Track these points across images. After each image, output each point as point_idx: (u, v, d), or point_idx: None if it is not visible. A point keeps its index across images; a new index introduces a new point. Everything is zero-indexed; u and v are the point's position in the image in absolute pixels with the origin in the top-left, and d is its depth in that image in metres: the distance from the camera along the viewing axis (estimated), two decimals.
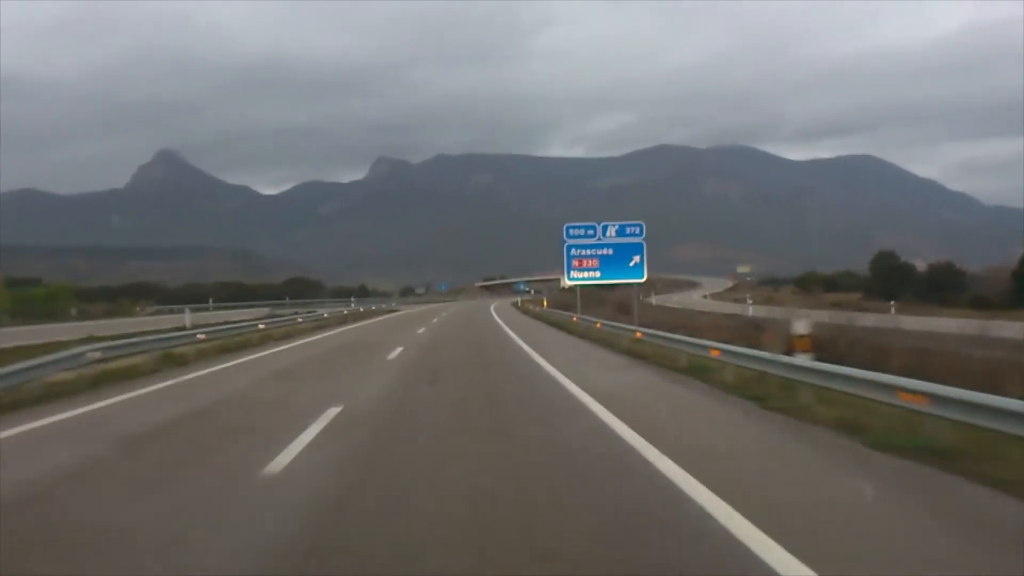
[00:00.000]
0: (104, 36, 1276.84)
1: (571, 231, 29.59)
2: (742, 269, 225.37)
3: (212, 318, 38.94)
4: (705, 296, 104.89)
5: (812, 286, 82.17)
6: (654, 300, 78.02)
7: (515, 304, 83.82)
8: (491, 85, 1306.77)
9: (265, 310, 54.53)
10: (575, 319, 32.94)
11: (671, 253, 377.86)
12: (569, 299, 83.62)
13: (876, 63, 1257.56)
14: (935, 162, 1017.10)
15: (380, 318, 53.04)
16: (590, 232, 29.13)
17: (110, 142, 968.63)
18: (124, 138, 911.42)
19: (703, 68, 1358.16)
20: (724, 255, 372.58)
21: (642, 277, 28.94)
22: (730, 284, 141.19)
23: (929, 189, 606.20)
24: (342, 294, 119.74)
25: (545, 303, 46.05)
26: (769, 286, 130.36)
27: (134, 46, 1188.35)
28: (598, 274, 29.00)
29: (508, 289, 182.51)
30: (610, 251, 28.65)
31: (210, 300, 66.40)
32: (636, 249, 28.47)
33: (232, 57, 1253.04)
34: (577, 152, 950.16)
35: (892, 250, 70.97)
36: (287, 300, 75.75)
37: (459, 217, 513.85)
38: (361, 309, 56.86)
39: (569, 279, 29.70)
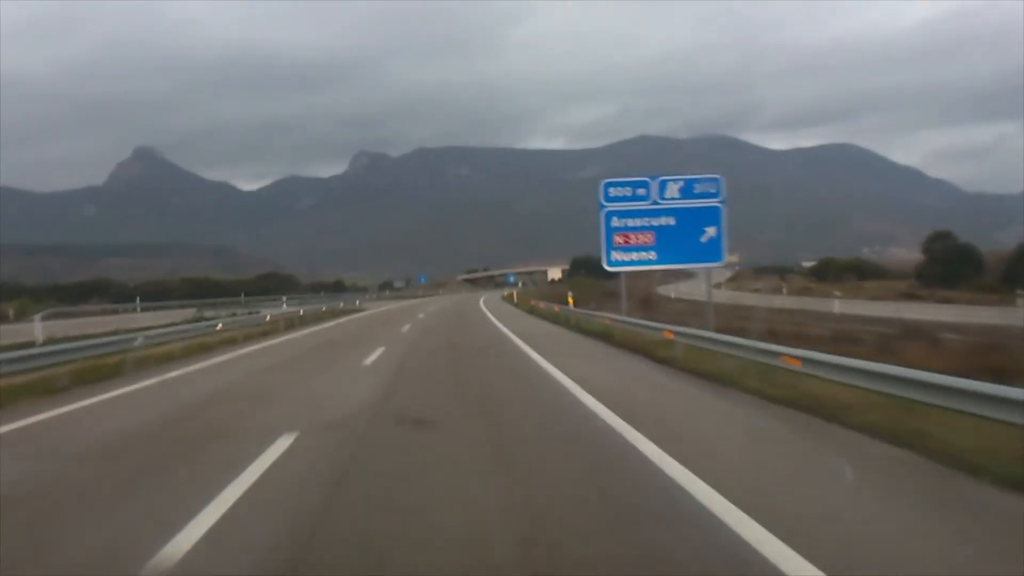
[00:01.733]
0: (77, 32, 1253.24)
1: (610, 190, 20.37)
2: (729, 259, 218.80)
3: (98, 325, 29.12)
4: (714, 286, 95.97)
5: (843, 274, 72.79)
6: (659, 290, 69.22)
7: (509, 298, 73.22)
8: (470, 77, 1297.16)
9: (191, 311, 44.31)
10: (670, 336, 17.24)
11: None
12: (554, 292, 74.82)
13: (854, 50, 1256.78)
14: (915, 149, 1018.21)
15: (327, 324, 35.53)
16: (640, 192, 19.94)
17: (87, 139, 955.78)
18: (101, 135, 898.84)
19: (682, 58, 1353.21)
20: None
21: (720, 258, 19.80)
22: (729, 274, 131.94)
23: (910, 176, 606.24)
24: (319, 289, 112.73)
25: (571, 300, 35.11)
26: (769, 275, 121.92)
27: (108, 42, 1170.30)
28: (654, 255, 19.80)
29: (491, 282, 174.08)
30: (671, 220, 19.56)
31: (137, 299, 56.59)
32: (711, 217, 19.36)
33: (209, 52, 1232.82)
34: (557, 144, 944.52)
35: (948, 231, 61.93)
36: (242, 298, 65.81)
37: (439, 210, 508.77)
38: (302, 312, 36.26)
39: (609, 263, 20.22)
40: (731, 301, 37.25)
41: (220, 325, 24.61)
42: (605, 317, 23.50)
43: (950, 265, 51.19)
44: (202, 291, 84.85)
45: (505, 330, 26.60)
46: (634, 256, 19.81)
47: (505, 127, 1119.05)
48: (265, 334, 27.31)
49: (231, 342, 23.10)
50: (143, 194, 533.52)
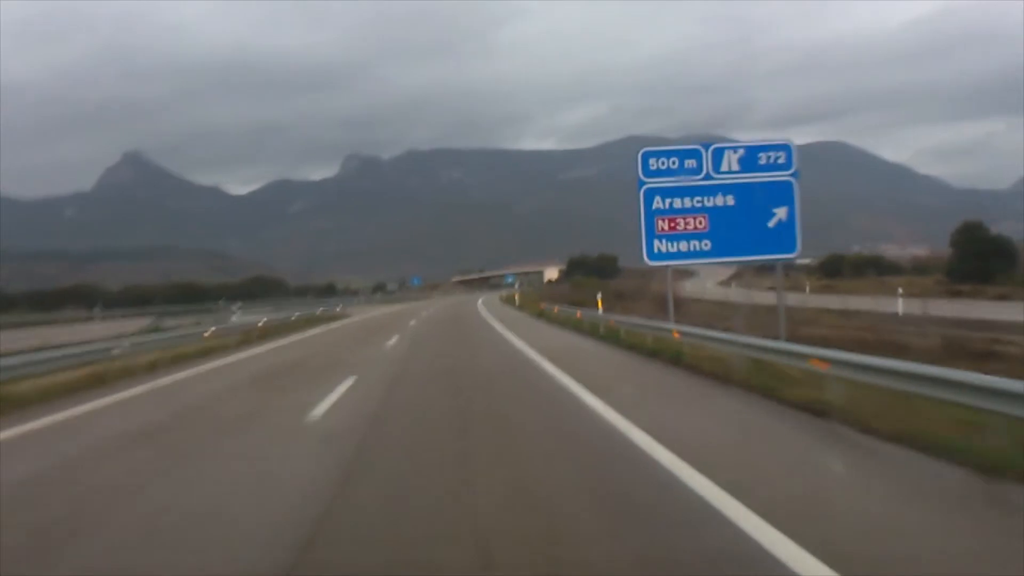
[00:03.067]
0: (67, 36, 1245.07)
1: (651, 162, 16.00)
2: None
3: (19, 340, 24.44)
4: (724, 284, 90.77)
5: (861, 270, 68.42)
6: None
7: (509, 300, 66.87)
8: (461, 79, 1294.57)
9: (149, 319, 39.40)
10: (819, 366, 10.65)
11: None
12: (559, 292, 70.04)
13: (845, 49, 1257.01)
14: (905, 147, 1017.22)
15: (293, 338, 28.17)
16: (690, 164, 15.56)
17: (75, 144, 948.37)
18: (90, 140, 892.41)
19: (672, 57, 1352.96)
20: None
21: (794, 248, 15.54)
22: (730, 272, 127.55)
23: (900, 174, 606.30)
24: (305, 292, 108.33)
25: (600, 303, 29.13)
26: (767, 272, 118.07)
27: (98, 46, 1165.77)
28: (708, 244, 15.49)
29: (486, 284, 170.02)
30: (730, 199, 15.28)
31: (98, 305, 52.15)
32: (781, 194, 15.15)
33: (199, 56, 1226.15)
34: (548, 145, 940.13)
35: (979, 220, 57.82)
36: (220, 303, 61.01)
37: (431, 212, 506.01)
38: (261, 324, 30.11)
39: (651, 256, 15.77)
40: (756, 301, 33.04)
41: (128, 344, 18.45)
42: (658, 327, 17.27)
43: (983, 259, 47.13)
44: (187, 295, 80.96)
45: (522, 344, 20.25)
46: (683, 246, 15.57)
47: (496, 128, 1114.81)
48: (206, 353, 21.10)
49: (133, 373, 16.05)
50: (133, 199, 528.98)
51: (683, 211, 15.50)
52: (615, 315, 23.82)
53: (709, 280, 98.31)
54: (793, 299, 30.47)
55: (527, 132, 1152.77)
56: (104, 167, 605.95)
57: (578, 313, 28.14)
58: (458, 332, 28.10)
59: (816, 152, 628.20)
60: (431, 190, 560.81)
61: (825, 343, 11.34)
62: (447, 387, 12.58)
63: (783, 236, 15.16)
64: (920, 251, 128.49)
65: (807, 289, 44.67)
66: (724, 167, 15.23)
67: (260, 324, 28.82)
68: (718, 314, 26.52)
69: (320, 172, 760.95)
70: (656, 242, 15.73)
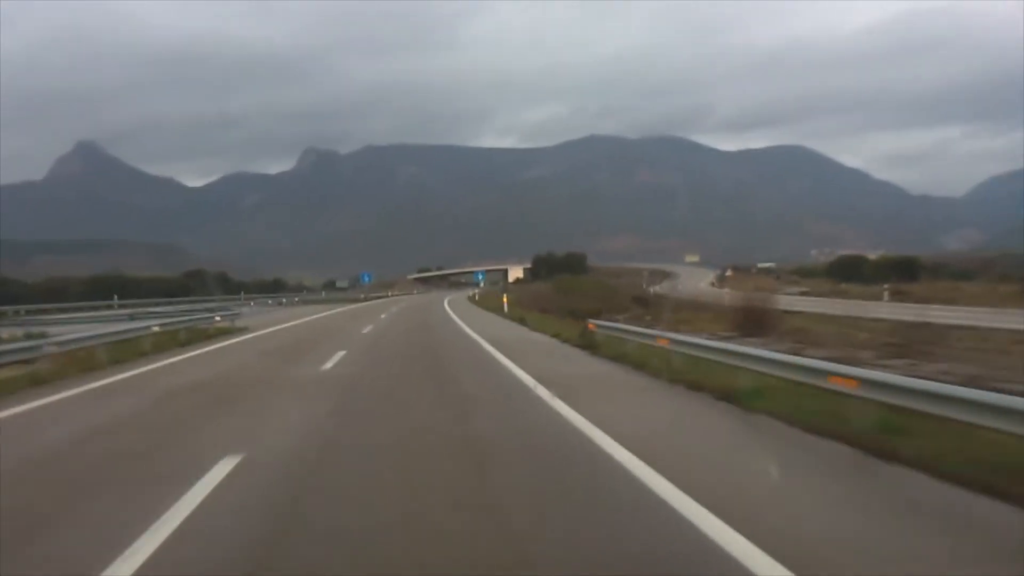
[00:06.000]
0: (16, 23, 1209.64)
1: None
2: (690, 259, 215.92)
3: None
4: (714, 285, 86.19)
5: (890, 275, 62.92)
6: (651, 290, 62.56)
7: (479, 301, 57.74)
8: (421, 73, 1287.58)
9: None
10: None
11: (602, 243, 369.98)
12: (536, 293, 61.15)
13: (805, 53, 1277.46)
14: (862, 152, 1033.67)
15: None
16: None
17: (26, 134, 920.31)
18: (41, 129, 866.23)
19: (632, 57, 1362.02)
20: (654, 245, 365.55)
21: None
22: (715, 273, 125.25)
23: (856, 178, 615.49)
24: (237, 289, 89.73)
25: (649, 318, 21.79)
26: (741, 272, 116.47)
27: (49, 33, 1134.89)
28: None
29: (444, 282, 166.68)
30: None
31: None
32: None
33: (153, 45, 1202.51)
34: (509, 143, 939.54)
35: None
36: (114, 301, 54.72)
37: (388, 209, 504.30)
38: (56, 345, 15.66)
39: None
40: (859, 313, 29.21)
41: None
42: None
43: None
44: (108, 291, 72.76)
45: (562, 407, 9.81)
46: None
47: (456, 125, 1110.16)
48: None
49: None
50: (84, 190, 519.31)
51: None
52: (666, 331, 15.86)
53: (692, 280, 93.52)
54: (907, 313, 26.99)
55: (487, 129, 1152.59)
56: (56, 156, 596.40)
57: (590, 325, 19.16)
58: (433, 360, 17.67)
59: (774, 156, 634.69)
60: (388, 186, 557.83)
61: None
62: None
63: None
64: (875, 256, 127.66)
65: (885, 297, 41.82)
66: None
67: None
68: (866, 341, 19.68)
69: (277, 166, 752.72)
70: None
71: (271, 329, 30.45)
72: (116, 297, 56.91)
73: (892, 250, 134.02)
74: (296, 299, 79.13)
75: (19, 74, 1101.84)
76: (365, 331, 28.34)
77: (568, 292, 44.00)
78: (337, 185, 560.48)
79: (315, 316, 42.88)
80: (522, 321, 30.60)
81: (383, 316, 40.78)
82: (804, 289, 62.58)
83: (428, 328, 30.44)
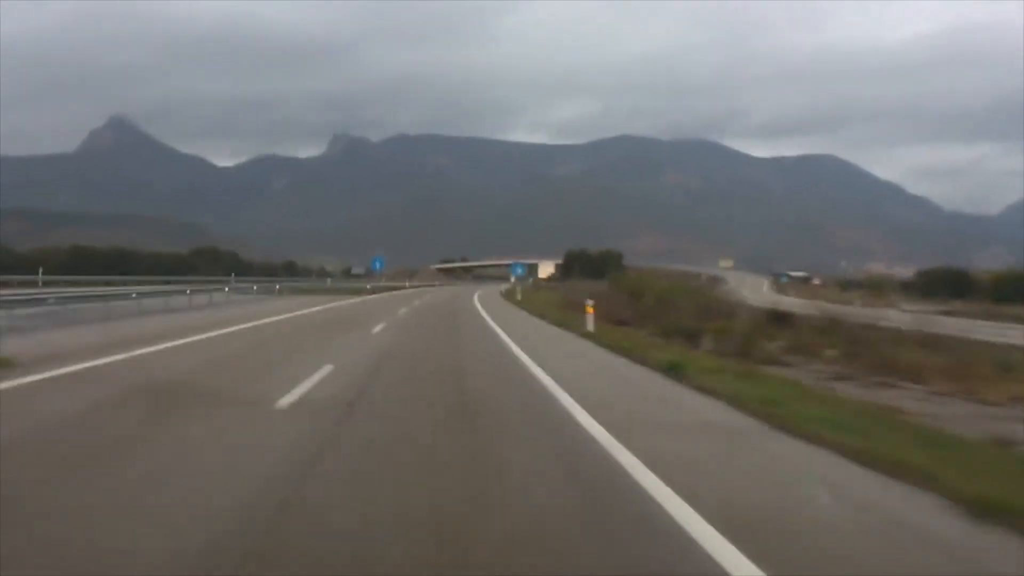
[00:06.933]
0: None
1: None
2: (724, 263, 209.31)
3: None
4: (784, 294, 77.54)
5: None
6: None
7: (523, 303, 43.27)
8: (456, 64, 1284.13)
9: None
10: None
11: (627, 243, 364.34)
12: (593, 296, 36.21)
13: (839, 61, 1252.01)
14: (896, 164, 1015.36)
15: None
16: None
17: (61, 106, 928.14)
18: (76, 102, 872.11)
19: (667, 58, 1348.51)
20: (679, 247, 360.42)
21: None
22: (768, 280, 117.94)
23: (890, 191, 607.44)
24: (241, 271, 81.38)
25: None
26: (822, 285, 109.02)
27: (85, 9, 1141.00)
28: None
29: (468, 274, 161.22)
30: None
31: None
32: None
33: (189, 23, 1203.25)
34: (539, 138, 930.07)
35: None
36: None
37: (415, 198, 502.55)
38: None
39: None
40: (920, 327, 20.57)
41: None
42: None
43: None
44: (102, 266, 66.26)
45: None
46: None
47: (488, 117, 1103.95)
48: None
49: None
50: (115, 164, 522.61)
51: None
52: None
53: (746, 287, 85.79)
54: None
55: (518, 123, 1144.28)
56: (88, 130, 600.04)
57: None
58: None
59: (807, 164, 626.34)
60: (417, 175, 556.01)
61: None
62: None
63: None
64: (905, 271, 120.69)
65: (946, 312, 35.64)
66: None
67: None
68: None
69: (306, 150, 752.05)
70: None
71: (241, 326, 21.39)
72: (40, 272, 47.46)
73: (921, 265, 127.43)
74: (277, 287, 60.67)
75: (57, 48, 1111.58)
76: (361, 348, 16.61)
77: (637, 296, 31.20)
78: (366, 172, 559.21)
79: (310, 309, 32.26)
80: (676, 369, 12.34)
81: (403, 313, 29.99)
82: (942, 308, 47.85)
83: (459, 317, 23.47)
